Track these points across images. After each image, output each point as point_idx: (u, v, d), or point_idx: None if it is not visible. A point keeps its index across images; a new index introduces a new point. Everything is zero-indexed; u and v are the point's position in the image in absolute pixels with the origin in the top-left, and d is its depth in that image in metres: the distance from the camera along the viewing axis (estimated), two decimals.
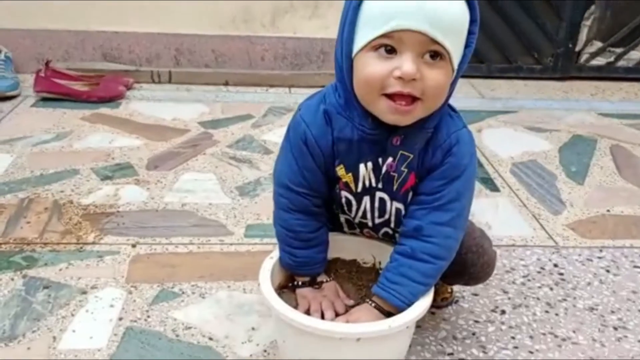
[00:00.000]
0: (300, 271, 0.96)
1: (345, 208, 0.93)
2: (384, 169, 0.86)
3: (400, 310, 0.85)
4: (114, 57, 2.36)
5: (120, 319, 1.07)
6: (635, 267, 1.30)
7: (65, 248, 1.26)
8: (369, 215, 0.92)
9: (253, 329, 1.06)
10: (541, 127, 2.05)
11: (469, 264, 0.95)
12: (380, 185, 0.88)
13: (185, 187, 1.54)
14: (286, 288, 0.97)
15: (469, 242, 0.94)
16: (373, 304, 0.88)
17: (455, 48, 0.77)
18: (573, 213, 1.51)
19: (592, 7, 2.48)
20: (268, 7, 2.36)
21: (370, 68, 0.77)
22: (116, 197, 1.48)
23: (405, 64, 0.75)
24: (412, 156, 0.84)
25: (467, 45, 0.79)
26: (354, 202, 0.91)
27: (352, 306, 0.93)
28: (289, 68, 2.43)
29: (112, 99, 2.11)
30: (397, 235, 0.94)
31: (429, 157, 0.85)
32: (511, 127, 2.03)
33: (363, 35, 0.77)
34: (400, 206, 0.90)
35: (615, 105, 2.32)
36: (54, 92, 2.08)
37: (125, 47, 2.35)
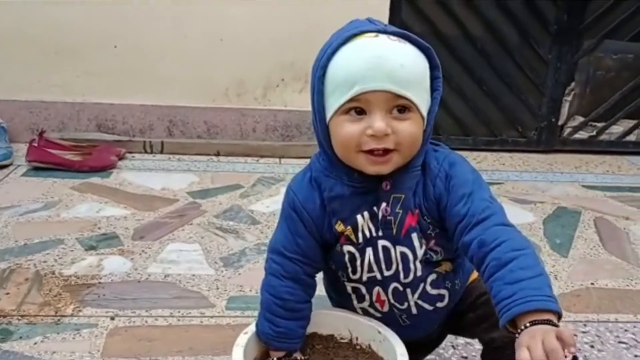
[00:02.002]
0: (278, 343, 0.94)
1: (349, 266, 0.92)
2: (380, 215, 0.88)
3: (550, 311, 0.72)
4: (108, 127, 2.41)
5: None
6: (620, 342, 1.29)
7: (43, 320, 1.25)
8: (375, 267, 0.91)
9: None
10: (526, 199, 2.08)
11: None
12: (380, 233, 0.89)
13: (170, 257, 1.54)
14: None
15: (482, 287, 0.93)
16: (522, 328, 0.71)
17: (420, 97, 0.83)
18: (557, 286, 1.51)
19: (573, 84, 2.56)
20: (260, 81, 2.43)
21: (344, 130, 0.83)
22: (99, 267, 1.47)
23: (375, 122, 0.81)
24: (403, 196, 0.87)
25: (434, 89, 0.85)
26: (357, 256, 0.91)
27: None
28: (279, 139, 2.48)
29: (103, 169, 2.14)
30: (407, 291, 0.92)
31: (430, 189, 0.87)
32: (497, 199, 2.05)
33: (332, 102, 0.83)
34: (405, 250, 0.89)
35: (599, 178, 2.35)
36: (46, 162, 2.11)
37: (120, 118, 2.40)
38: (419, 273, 0.90)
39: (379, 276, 0.92)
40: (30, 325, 1.23)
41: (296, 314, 0.93)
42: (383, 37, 0.82)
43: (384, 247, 0.89)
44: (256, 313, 1.22)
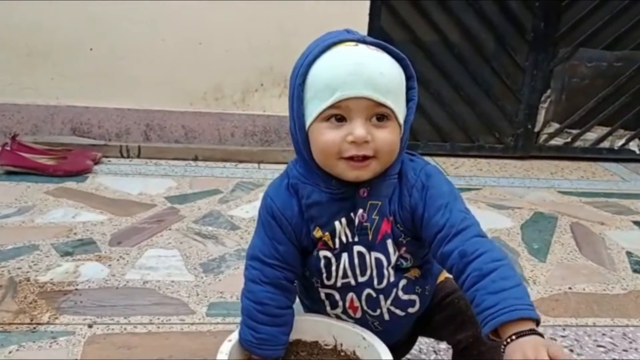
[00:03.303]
0: (260, 350, 0.93)
1: (324, 272, 0.92)
2: (356, 220, 0.89)
3: (530, 319, 0.75)
4: (83, 131, 2.36)
5: None
6: (599, 346, 1.31)
7: (18, 329, 1.21)
8: (349, 272, 0.91)
9: None
10: (504, 204, 2.10)
11: (464, 307, 0.93)
12: (356, 239, 0.90)
13: (148, 263, 1.52)
14: None
15: (454, 288, 0.96)
16: (513, 337, 0.74)
17: (398, 106, 0.85)
18: (536, 290, 1.52)
19: (549, 91, 2.60)
20: (239, 85, 2.42)
21: (325, 137, 0.84)
22: (75, 274, 1.44)
23: (356, 129, 0.82)
24: (380, 203, 0.88)
25: (410, 99, 0.88)
26: (333, 261, 0.91)
27: None
28: (258, 144, 2.47)
29: (78, 173, 2.10)
30: (380, 297, 0.93)
31: (406, 199, 0.88)
32: (474, 204, 2.07)
33: (312, 109, 0.84)
34: (380, 256, 0.90)
35: (574, 184, 2.39)
36: (19, 166, 2.06)
37: (95, 122, 2.36)
38: (392, 279, 0.92)
39: (353, 282, 0.93)
40: (4, 334, 1.19)
41: (277, 319, 0.93)
42: (362, 47, 0.84)
43: (359, 253, 0.90)
44: (237, 320, 1.21)
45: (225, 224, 1.79)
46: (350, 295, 0.94)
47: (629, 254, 1.77)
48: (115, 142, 2.36)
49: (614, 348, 1.30)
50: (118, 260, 1.52)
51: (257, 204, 1.93)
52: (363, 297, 0.94)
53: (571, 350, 1.28)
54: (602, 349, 1.29)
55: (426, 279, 0.96)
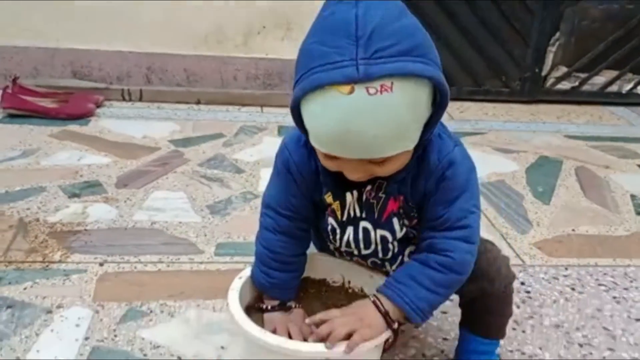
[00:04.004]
0: (272, 293, 0.94)
1: (331, 236, 0.93)
2: (364, 196, 0.87)
3: (403, 312, 0.83)
4: (84, 74, 2.34)
5: (87, 338, 1.04)
6: (600, 285, 1.33)
7: (31, 267, 1.23)
8: (353, 245, 0.92)
9: (222, 347, 1.05)
10: (509, 149, 2.09)
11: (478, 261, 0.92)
12: (363, 215, 0.88)
13: (155, 205, 1.53)
14: (254, 309, 0.96)
15: None
16: (372, 299, 0.85)
17: (403, 146, 0.74)
18: (540, 232, 1.54)
19: (557, 34, 2.55)
20: (241, 27, 2.37)
21: (323, 162, 0.80)
22: (84, 215, 1.45)
23: (349, 175, 0.78)
24: (385, 183, 0.84)
25: (439, 107, 0.75)
26: (338, 231, 0.91)
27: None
28: (261, 88, 2.44)
29: (81, 117, 2.09)
30: (386, 264, 0.94)
31: (422, 183, 0.83)
32: (480, 148, 2.07)
33: (310, 137, 0.76)
34: (385, 233, 0.89)
35: (581, 128, 2.38)
36: (22, 109, 2.05)
37: (96, 65, 2.33)
38: (397, 250, 0.92)
39: (356, 252, 0.93)
40: (18, 271, 1.21)
41: (290, 266, 0.94)
42: (358, 94, 0.67)
43: (365, 229, 0.89)
44: (245, 259, 1.23)
45: (230, 167, 1.79)
46: (356, 258, 0.97)
47: (633, 196, 1.78)
48: (116, 85, 2.34)
49: (614, 287, 1.32)
50: (125, 201, 1.53)
51: (262, 147, 1.96)
52: (368, 262, 0.96)
53: (573, 289, 1.30)
54: (603, 288, 1.32)
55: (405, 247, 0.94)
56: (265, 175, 1.74)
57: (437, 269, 0.83)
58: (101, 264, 1.26)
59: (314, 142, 0.75)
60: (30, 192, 1.54)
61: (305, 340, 0.89)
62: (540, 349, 1.11)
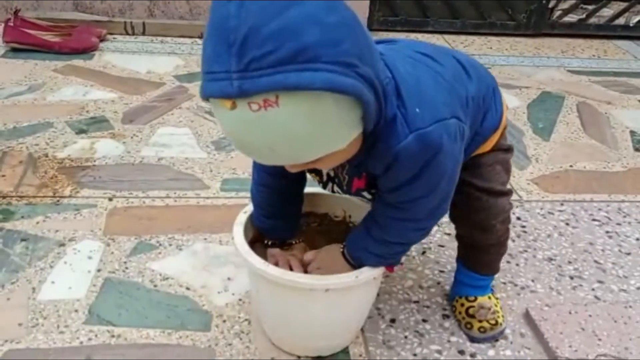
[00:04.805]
0: (271, 234, 0.98)
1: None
2: (331, 172, 0.89)
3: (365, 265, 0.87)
4: (85, 7, 2.31)
5: (99, 270, 1.10)
6: (594, 220, 1.37)
7: (42, 201, 1.28)
8: (338, 190, 0.93)
9: (229, 279, 1.10)
10: (511, 84, 2.09)
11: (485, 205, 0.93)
12: (336, 181, 0.90)
13: (162, 141, 1.56)
14: (259, 242, 1.00)
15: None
16: (341, 249, 0.89)
17: (327, 144, 0.65)
18: (538, 168, 1.57)
19: None
20: None
21: None
22: (92, 150, 1.48)
23: (289, 169, 0.72)
24: (347, 166, 0.83)
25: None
26: (322, 185, 0.94)
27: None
28: None
29: (84, 51, 2.08)
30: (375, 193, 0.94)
31: (371, 166, 0.77)
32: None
33: None
34: (364, 193, 0.89)
35: (585, 63, 2.36)
36: (25, 43, 2.04)
37: None
38: None
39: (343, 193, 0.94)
40: (30, 206, 1.26)
41: (280, 214, 0.96)
42: (241, 110, 0.59)
43: (342, 191, 0.91)
44: (249, 195, 1.26)
45: None
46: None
47: (632, 132, 1.79)
48: (119, 18, 2.31)
49: (608, 222, 1.36)
50: (132, 137, 1.56)
51: None
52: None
53: (567, 224, 1.34)
54: (596, 223, 1.36)
55: None
56: None
57: (378, 241, 0.83)
58: (110, 199, 1.30)
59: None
60: (38, 128, 1.57)
61: (305, 272, 0.94)
62: (533, 281, 1.16)
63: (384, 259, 0.86)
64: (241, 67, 0.56)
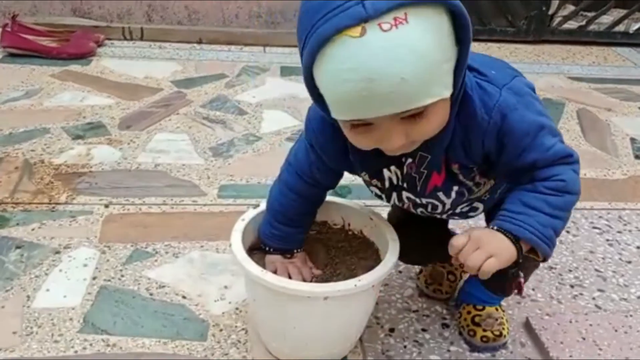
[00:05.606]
0: (272, 242, 0.95)
1: (377, 198, 0.91)
2: (405, 170, 0.81)
3: (528, 244, 0.75)
4: (84, 12, 2.30)
5: (94, 278, 1.09)
6: (594, 228, 1.36)
7: (37, 208, 1.27)
8: (399, 204, 0.90)
9: (225, 287, 1.09)
10: None
11: None
12: (405, 185, 0.84)
13: (159, 147, 1.55)
14: (257, 250, 0.99)
15: None
16: (493, 228, 0.76)
17: (438, 89, 0.65)
18: None
19: None
20: None
21: (354, 140, 0.72)
22: (88, 156, 1.47)
23: (388, 142, 0.68)
24: (429, 157, 0.78)
25: (461, 42, 0.66)
26: (383, 196, 0.88)
27: (320, 276, 0.95)
28: (263, 27, 2.40)
29: (82, 56, 2.08)
30: (436, 215, 0.90)
31: (476, 146, 0.75)
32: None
33: (331, 111, 0.68)
34: (432, 201, 0.85)
35: (585, 70, 2.36)
36: (22, 48, 2.03)
37: (96, 2, 2.29)
38: (448, 207, 0.86)
39: (410, 204, 0.89)
40: (26, 213, 1.25)
41: (296, 222, 0.94)
42: (372, 34, 0.59)
43: (408, 197, 0.86)
44: (247, 201, 1.26)
45: (233, 109, 1.80)
46: (406, 204, 0.89)
47: (632, 140, 1.78)
48: (117, 23, 2.31)
49: (608, 230, 1.35)
50: (129, 143, 1.55)
51: (264, 88, 1.96)
52: (418, 211, 0.90)
53: (567, 232, 1.33)
54: (597, 231, 1.35)
55: (496, 191, 0.87)
56: (267, 117, 1.75)
57: (550, 194, 0.75)
58: (106, 206, 1.29)
59: (337, 113, 0.67)
60: (35, 134, 1.56)
61: (304, 281, 0.93)
62: (533, 289, 1.14)
63: (558, 216, 0.76)
64: (370, 9, 0.58)
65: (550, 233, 0.76)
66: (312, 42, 0.61)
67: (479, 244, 0.74)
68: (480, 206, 0.90)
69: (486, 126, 0.73)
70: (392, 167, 0.82)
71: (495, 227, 0.76)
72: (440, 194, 0.83)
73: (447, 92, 0.66)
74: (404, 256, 0.92)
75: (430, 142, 0.73)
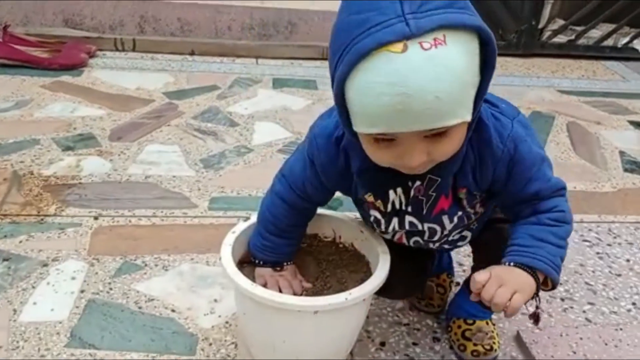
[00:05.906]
0: (261, 254, 0.94)
1: (374, 226, 0.91)
2: (412, 192, 0.82)
3: (542, 274, 0.79)
4: (75, 23, 2.30)
5: (82, 291, 1.07)
6: (585, 241, 1.36)
7: (26, 220, 1.25)
8: (398, 233, 0.91)
9: (215, 300, 1.08)
10: None
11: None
12: (409, 209, 0.84)
13: (149, 158, 1.54)
14: (247, 263, 0.98)
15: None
16: (507, 264, 0.79)
17: (462, 112, 0.66)
18: None
19: None
20: None
21: (374, 155, 0.73)
22: (78, 168, 1.46)
23: (410, 160, 0.70)
24: (439, 180, 0.80)
25: (486, 64, 0.68)
26: (383, 222, 0.88)
27: (310, 289, 0.95)
28: (256, 38, 2.41)
29: (74, 67, 2.07)
30: (430, 244, 0.92)
31: (489, 171, 0.79)
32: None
33: (356, 124, 0.69)
34: (434, 226, 0.86)
35: (574, 83, 2.38)
36: (13, 59, 2.02)
37: (88, 13, 2.29)
38: (446, 232, 0.88)
39: (403, 237, 0.91)
40: (14, 225, 1.24)
41: (287, 233, 0.94)
42: (413, 51, 0.61)
43: (411, 222, 0.87)
44: (238, 214, 1.25)
45: (224, 121, 1.80)
46: (400, 234, 0.92)
47: (622, 153, 1.80)
48: (109, 34, 2.31)
49: (598, 242, 1.36)
50: (119, 155, 1.54)
51: (256, 100, 1.96)
52: (411, 241, 0.92)
53: None
54: (587, 244, 1.35)
55: (482, 221, 0.92)
56: (259, 129, 1.75)
57: (553, 225, 0.80)
58: (96, 218, 1.28)
59: (364, 126, 0.68)
60: (24, 145, 1.55)
61: (295, 294, 0.92)
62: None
63: (562, 245, 0.81)
64: (414, 9, 0.61)
65: (559, 262, 0.80)
66: (351, 54, 0.63)
67: (501, 281, 0.76)
68: (469, 235, 0.92)
69: (500, 154, 0.77)
70: (399, 190, 0.83)
71: (512, 263, 0.79)
72: (445, 218, 0.85)
73: (469, 116, 0.68)
74: (389, 292, 0.94)
75: (442, 164, 0.75)
